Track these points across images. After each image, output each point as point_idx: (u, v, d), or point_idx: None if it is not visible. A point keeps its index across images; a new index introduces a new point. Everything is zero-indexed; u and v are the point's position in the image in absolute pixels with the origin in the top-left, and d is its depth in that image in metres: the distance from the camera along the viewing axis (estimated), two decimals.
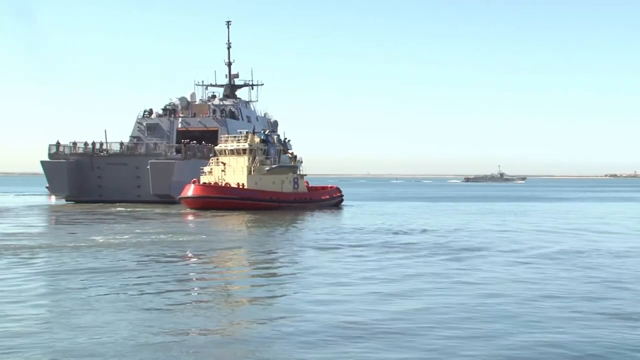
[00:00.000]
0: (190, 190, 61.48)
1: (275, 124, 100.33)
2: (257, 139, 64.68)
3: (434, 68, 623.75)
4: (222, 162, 64.15)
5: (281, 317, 16.93)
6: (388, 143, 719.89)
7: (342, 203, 73.17)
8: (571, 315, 17.16)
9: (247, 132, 66.45)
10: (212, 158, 66.98)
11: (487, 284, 21.91)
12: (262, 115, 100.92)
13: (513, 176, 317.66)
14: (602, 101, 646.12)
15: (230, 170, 63.44)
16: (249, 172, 62.93)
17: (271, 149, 64.97)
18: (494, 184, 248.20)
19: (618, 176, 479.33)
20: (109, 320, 16.25)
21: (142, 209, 61.48)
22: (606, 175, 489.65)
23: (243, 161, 63.27)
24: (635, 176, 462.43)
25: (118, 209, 62.67)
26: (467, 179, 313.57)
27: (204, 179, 64.16)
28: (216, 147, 67.84)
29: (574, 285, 21.71)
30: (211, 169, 64.62)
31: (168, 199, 71.22)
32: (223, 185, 62.71)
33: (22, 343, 14.29)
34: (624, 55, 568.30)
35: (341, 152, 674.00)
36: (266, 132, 67.07)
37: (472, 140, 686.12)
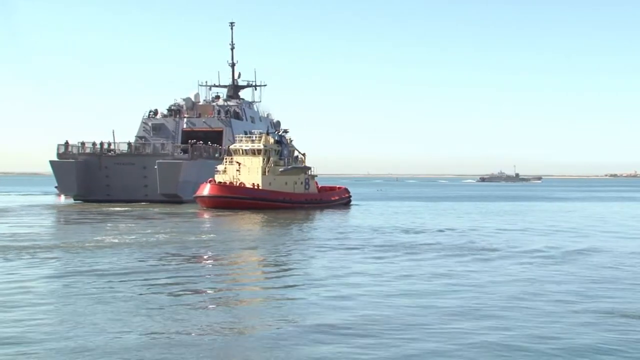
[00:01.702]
0: (206, 190, 63.15)
1: (278, 124, 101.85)
2: (271, 140, 66.64)
3: (442, 69, 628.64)
4: (237, 162, 65.73)
5: (294, 322, 16.88)
6: (395, 143, 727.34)
7: (350, 203, 75.18)
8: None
9: (260, 133, 68.28)
10: (227, 157, 68.42)
11: (501, 287, 22.01)
12: (265, 115, 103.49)
13: (528, 176, 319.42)
14: (602, 101, 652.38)
15: (245, 170, 65.11)
16: (264, 173, 64.76)
17: (284, 149, 67.17)
18: (509, 184, 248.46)
19: (618, 176, 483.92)
20: (120, 321, 16.53)
21: (157, 209, 62.83)
22: (606, 175, 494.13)
23: (258, 161, 65.02)
24: (635, 176, 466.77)
25: (125, 208, 64.02)
26: (483, 179, 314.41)
27: (218, 178, 65.63)
28: (231, 147, 69.23)
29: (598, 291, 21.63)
30: (225, 168, 66.13)
31: (175, 199, 73.11)
32: (238, 184, 64.43)
33: (32, 344, 14.59)
34: (624, 55, 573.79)
35: (342, 151, 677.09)
36: (280, 133, 69.14)
37: (477, 141, 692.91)
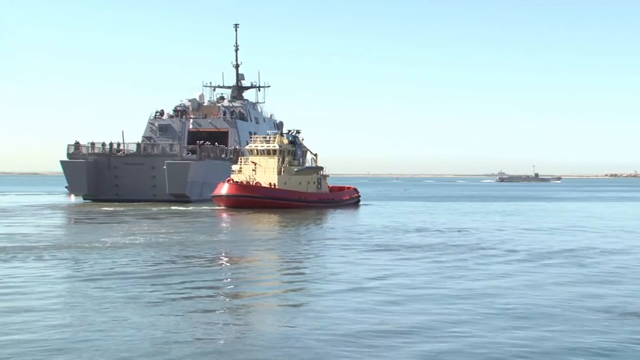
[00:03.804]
0: (224, 189, 64.77)
1: (281, 124, 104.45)
2: (285, 140, 68.81)
3: (446, 69, 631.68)
4: (253, 162, 67.60)
5: (308, 326, 16.79)
6: (396, 144, 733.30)
7: (359, 203, 77.45)
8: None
9: (275, 133, 71.03)
10: (242, 157, 71.28)
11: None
12: (269, 116, 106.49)
13: (548, 176, 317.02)
14: (602, 101, 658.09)
15: (261, 170, 67.09)
16: (279, 173, 66.77)
17: (298, 150, 69.49)
18: (528, 184, 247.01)
19: (618, 176, 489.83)
20: (133, 322, 16.68)
21: (173, 207, 64.33)
22: (606, 175, 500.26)
23: (273, 162, 67.05)
24: (635, 176, 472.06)
25: (138, 208, 65.40)
26: (502, 179, 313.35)
27: (235, 177, 67.35)
28: (246, 147, 71.45)
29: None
30: (240, 167, 68.06)
31: (183, 199, 75.00)
32: (254, 184, 66.47)
33: (42, 345, 14.70)
34: (625, 55, 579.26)
35: (342, 151, 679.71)
36: (293, 134, 71.02)
37: (476, 141, 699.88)
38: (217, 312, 18.36)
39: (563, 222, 53.73)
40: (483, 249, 33.89)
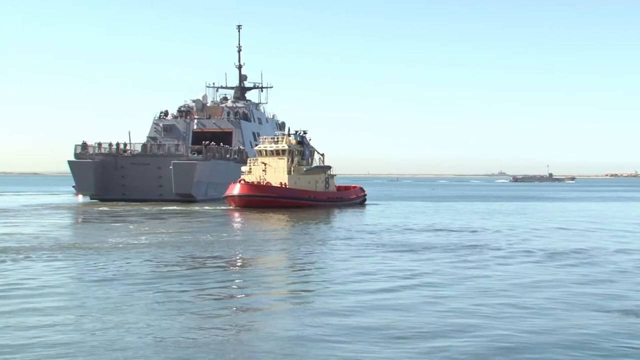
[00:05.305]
0: (236, 189, 65.99)
1: (283, 125, 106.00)
2: (293, 141, 70.35)
3: (454, 70, 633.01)
4: (263, 162, 69.08)
5: (317, 326, 17.01)
6: (400, 143, 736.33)
7: (365, 202, 79.17)
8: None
9: (283, 134, 72.72)
10: (250, 158, 72.75)
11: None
12: (271, 117, 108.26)
13: (562, 176, 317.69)
14: (602, 101, 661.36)
15: (271, 170, 68.61)
16: (289, 172, 68.30)
17: (306, 150, 71.07)
18: (543, 184, 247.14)
19: (619, 176, 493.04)
20: (138, 325, 16.71)
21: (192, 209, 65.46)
22: (607, 175, 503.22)
23: (283, 162, 68.52)
24: (636, 176, 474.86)
25: (153, 207, 66.54)
26: (516, 179, 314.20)
27: (245, 178, 68.78)
28: (255, 148, 73.07)
29: None
30: (250, 168, 69.58)
31: (189, 198, 76.18)
32: (264, 184, 67.90)
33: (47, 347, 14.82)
34: (624, 55, 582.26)
35: (343, 151, 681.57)
36: (301, 134, 72.35)
37: (477, 141, 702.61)
38: (226, 316, 18.09)
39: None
40: (516, 252, 33.37)
